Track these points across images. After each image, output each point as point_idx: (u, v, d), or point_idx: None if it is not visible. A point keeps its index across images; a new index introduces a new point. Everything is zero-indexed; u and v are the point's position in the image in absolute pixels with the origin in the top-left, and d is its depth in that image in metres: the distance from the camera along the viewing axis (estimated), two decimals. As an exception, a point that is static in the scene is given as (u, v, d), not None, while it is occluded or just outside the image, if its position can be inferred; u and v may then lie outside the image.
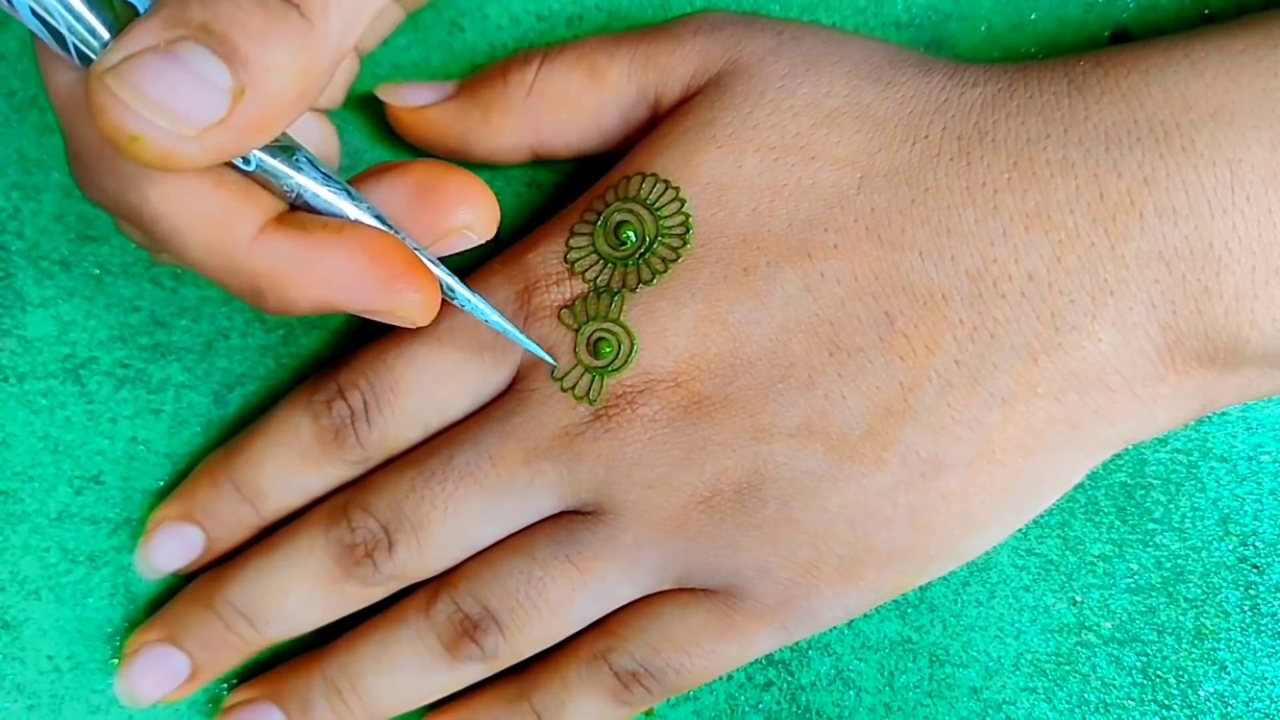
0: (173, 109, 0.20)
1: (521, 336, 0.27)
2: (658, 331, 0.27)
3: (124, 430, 0.32)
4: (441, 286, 0.25)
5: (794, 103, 0.28)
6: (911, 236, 0.26)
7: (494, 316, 0.27)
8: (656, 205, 0.28)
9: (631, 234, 0.28)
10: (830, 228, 0.27)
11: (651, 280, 0.27)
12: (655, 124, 0.29)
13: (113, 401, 0.32)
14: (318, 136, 0.28)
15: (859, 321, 0.26)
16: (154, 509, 0.31)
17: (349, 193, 0.24)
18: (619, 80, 0.29)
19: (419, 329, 0.28)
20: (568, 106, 0.29)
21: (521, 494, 0.28)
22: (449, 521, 0.28)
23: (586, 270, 0.28)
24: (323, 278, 0.23)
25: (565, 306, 0.28)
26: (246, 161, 0.23)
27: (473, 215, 0.25)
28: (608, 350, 0.27)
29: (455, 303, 0.26)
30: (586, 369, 0.28)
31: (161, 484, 0.32)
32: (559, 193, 0.32)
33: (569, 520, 0.28)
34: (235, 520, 0.30)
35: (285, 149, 0.23)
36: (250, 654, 0.30)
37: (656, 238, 0.27)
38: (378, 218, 0.24)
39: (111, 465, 0.32)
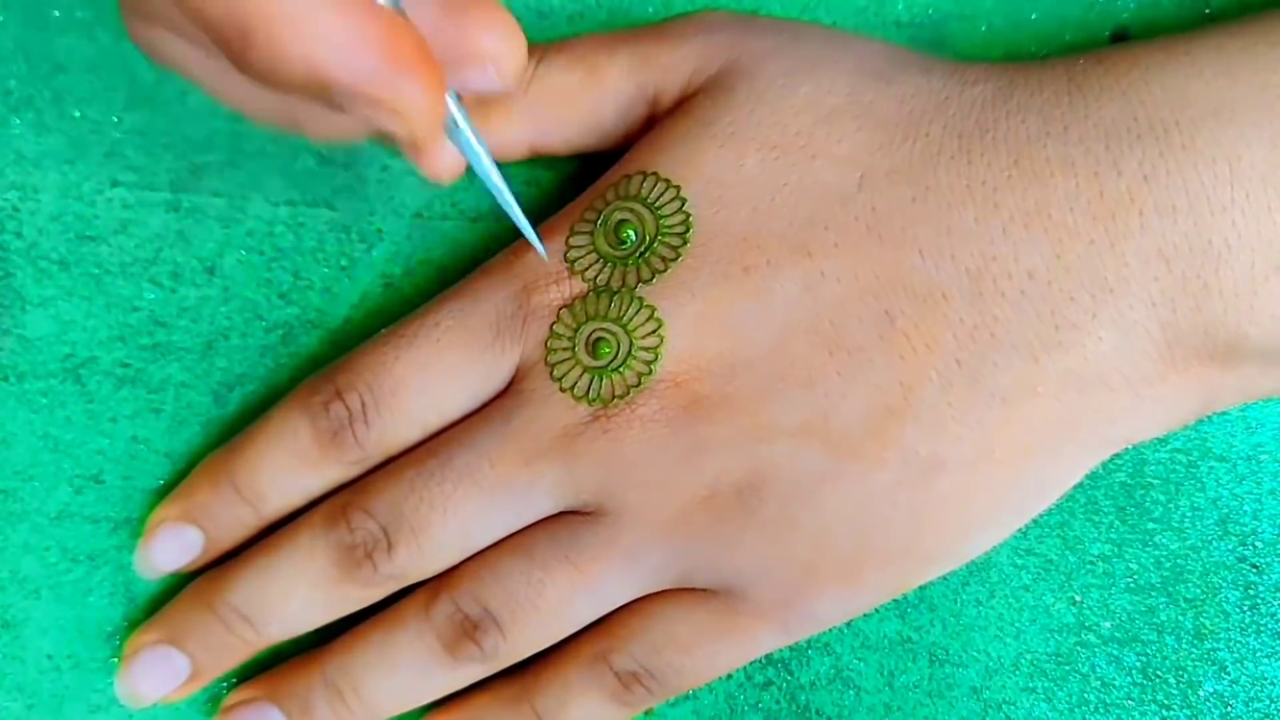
0: None
1: (519, 213, 0.26)
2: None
3: (124, 429, 0.32)
4: (447, 119, 0.23)
5: (795, 101, 0.27)
6: (912, 235, 0.26)
7: (494, 177, 0.25)
8: (657, 204, 0.27)
9: (632, 233, 0.28)
10: (831, 226, 0.27)
11: (651, 280, 0.27)
12: (654, 122, 0.29)
13: (113, 401, 0.31)
14: None
15: (859, 320, 0.26)
16: (154, 508, 0.31)
17: None
18: (618, 78, 0.29)
19: (415, 331, 0.28)
20: (566, 104, 0.29)
21: (521, 495, 0.28)
22: (448, 522, 0.28)
23: (586, 270, 0.28)
24: (326, 36, 0.20)
25: (564, 306, 0.28)
26: None
27: (500, 46, 0.23)
28: (606, 350, 0.27)
29: (456, 145, 0.24)
30: (585, 369, 0.27)
31: (161, 483, 0.32)
32: (559, 192, 0.31)
33: (568, 521, 0.28)
34: (234, 521, 0.30)
35: None
36: (250, 654, 0.30)
37: (657, 237, 0.27)
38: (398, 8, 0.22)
39: (111, 464, 0.32)
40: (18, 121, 0.31)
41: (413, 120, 0.21)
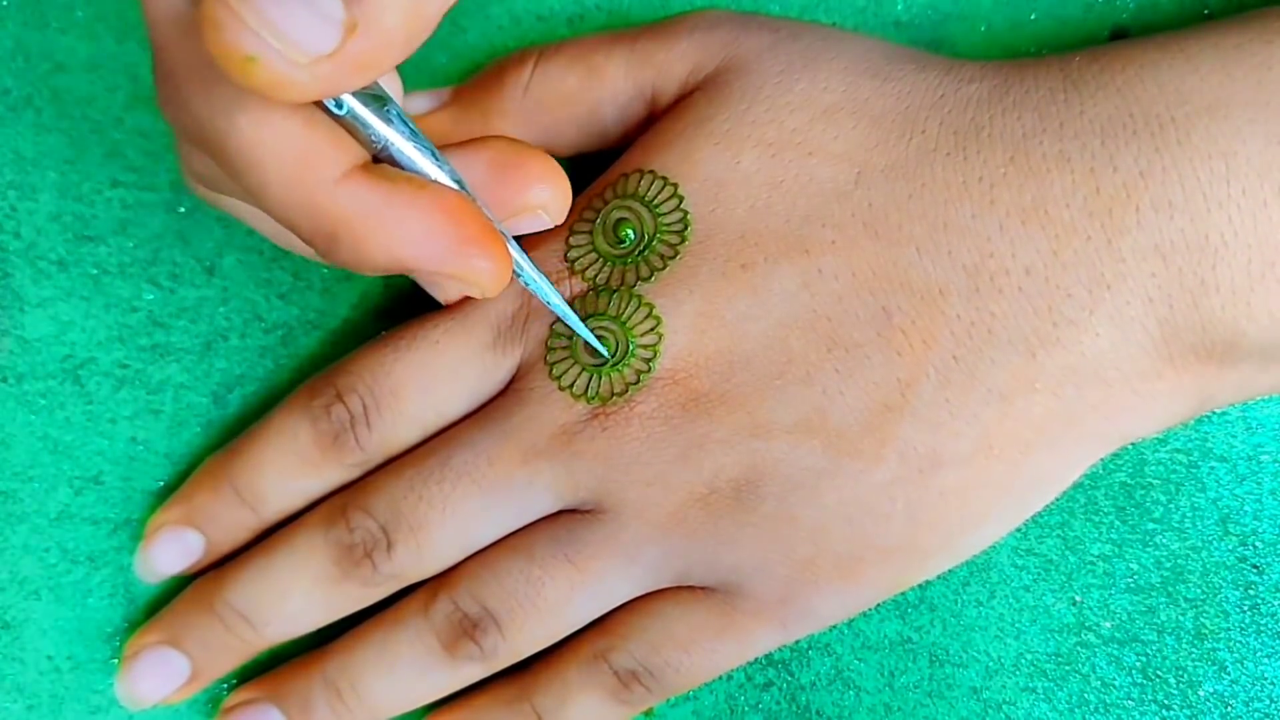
0: (289, 34, 0.20)
1: (579, 323, 0.27)
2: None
3: (123, 430, 0.32)
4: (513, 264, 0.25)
5: (791, 99, 0.28)
6: (908, 232, 0.26)
7: (555, 299, 0.27)
8: (655, 202, 0.28)
9: (630, 232, 0.28)
10: (828, 223, 0.27)
11: (650, 278, 0.27)
12: (652, 120, 0.29)
13: (112, 402, 0.31)
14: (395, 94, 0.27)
15: (857, 317, 0.26)
16: (154, 509, 0.31)
17: (434, 153, 0.24)
18: (616, 78, 0.29)
19: (415, 333, 0.28)
20: (565, 105, 0.29)
21: (520, 493, 0.28)
22: (447, 522, 0.28)
23: (585, 268, 0.28)
24: (400, 232, 0.23)
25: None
26: (339, 105, 0.22)
27: (549, 196, 0.25)
28: (605, 348, 0.27)
29: (520, 281, 0.26)
30: (584, 367, 0.27)
31: (161, 484, 0.32)
32: (558, 192, 0.31)
33: (567, 519, 0.28)
34: (235, 524, 0.30)
35: (377, 98, 0.23)
36: (250, 655, 0.30)
37: (655, 235, 0.27)
38: (458, 182, 0.24)
39: (111, 465, 0.32)
40: (17, 121, 0.31)
41: (483, 287, 0.24)
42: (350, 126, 0.23)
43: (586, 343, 0.27)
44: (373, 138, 0.23)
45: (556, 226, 0.29)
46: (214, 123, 0.22)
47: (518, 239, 0.26)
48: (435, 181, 0.24)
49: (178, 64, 0.22)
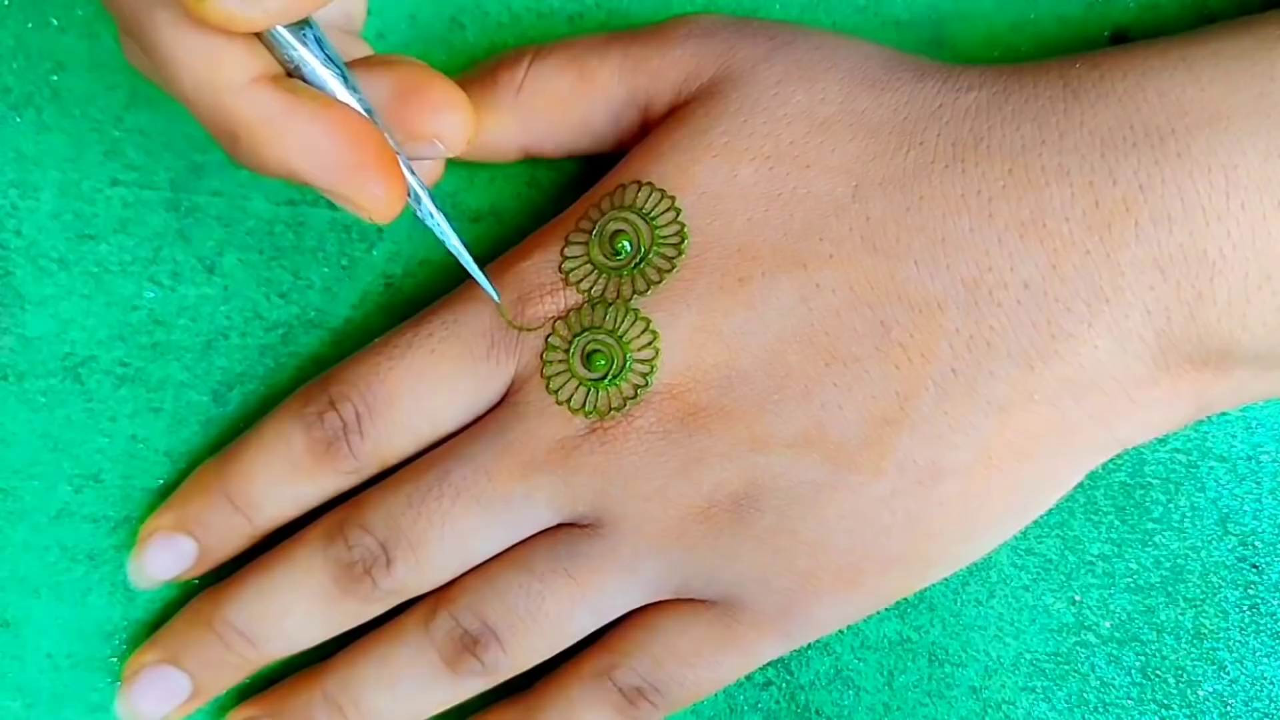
0: None
1: (474, 266, 0.27)
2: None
3: (123, 429, 0.32)
4: (410, 194, 0.25)
5: (788, 110, 0.27)
6: (906, 245, 0.26)
7: (453, 240, 0.27)
8: (652, 215, 0.27)
9: (627, 244, 0.27)
10: (825, 237, 0.27)
11: (646, 291, 0.27)
12: (646, 126, 0.29)
13: (112, 400, 0.31)
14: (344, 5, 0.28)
15: (855, 331, 0.26)
16: (154, 508, 0.31)
17: (344, 78, 0.24)
18: (609, 82, 0.29)
19: (409, 341, 0.28)
20: (557, 107, 0.29)
21: (518, 508, 0.28)
22: (446, 537, 0.28)
23: (581, 281, 0.28)
24: (298, 143, 0.23)
25: (559, 318, 0.28)
26: None
27: (446, 125, 0.25)
28: (601, 362, 0.27)
29: (418, 215, 0.26)
30: (581, 381, 0.27)
31: (161, 482, 0.32)
32: (558, 193, 0.31)
33: (566, 533, 0.28)
34: (228, 530, 0.30)
35: (298, 21, 0.24)
36: (250, 672, 0.30)
37: (652, 248, 0.27)
38: (367, 110, 0.24)
39: (111, 463, 0.32)
40: (17, 120, 0.31)
41: (374, 210, 0.24)
42: (266, 42, 0.23)
43: (582, 355, 0.27)
44: (287, 57, 0.24)
45: (552, 231, 0.28)
46: (138, 17, 0.22)
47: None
48: (341, 102, 0.24)
49: None
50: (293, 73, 0.24)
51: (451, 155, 0.26)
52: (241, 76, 0.23)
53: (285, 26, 0.23)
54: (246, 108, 0.23)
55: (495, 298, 0.28)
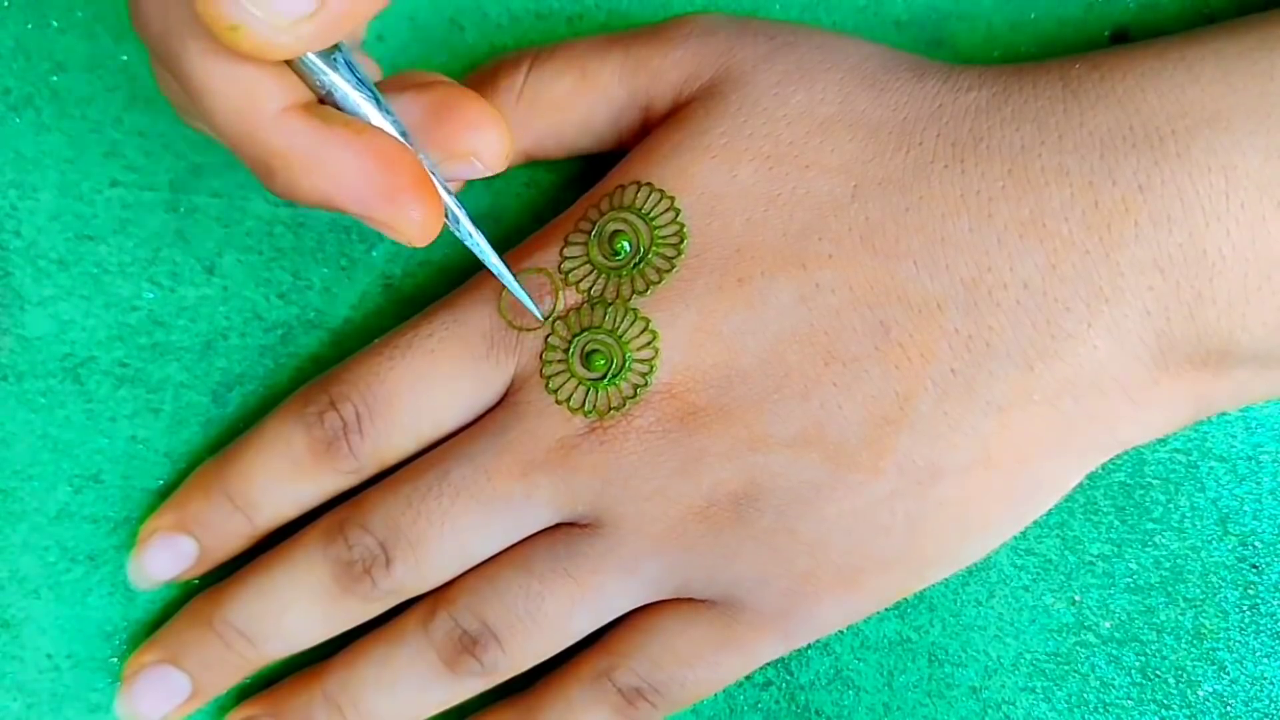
0: (271, 1, 0.20)
1: (517, 286, 0.27)
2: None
3: (123, 429, 0.32)
4: (446, 214, 0.25)
5: (788, 111, 0.27)
6: (906, 245, 0.26)
7: (492, 258, 0.27)
8: (651, 215, 0.27)
9: (626, 244, 0.27)
10: (825, 237, 0.27)
11: (646, 291, 0.27)
12: (647, 127, 0.29)
13: (112, 400, 0.31)
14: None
15: (854, 331, 0.26)
16: (153, 508, 0.31)
17: (377, 101, 0.24)
18: (609, 83, 0.29)
19: (409, 341, 0.28)
20: (558, 109, 0.29)
21: (518, 508, 0.28)
22: (446, 537, 0.28)
23: (580, 281, 0.28)
24: (332, 171, 0.23)
25: (559, 317, 0.28)
26: None
27: (483, 143, 0.25)
28: (601, 362, 0.27)
29: (457, 235, 0.26)
30: (581, 381, 0.27)
31: (161, 483, 0.32)
32: (558, 193, 0.31)
33: (566, 533, 0.28)
34: (228, 530, 0.30)
35: (328, 46, 0.23)
36: (250, 672, 0.30)
37: (651, 248, 0.27)
38: (401, 132, 0.24)
39: (111, 464, 0.32)
40: (17, 120, 0.31)
41: (411, 235, 0.24)
42: (298, 69, 0.23)
43: (581, 355, 0.27)
44: (319, 82, 0.23)
45: (551, 231, 0.28)
46: (170, 46, 0.22)
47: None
48: (375, 127, 0.24)
49: None
50: (325, 99, 0.24)
51: (489, 174, 0.25)
52: (274, 106, 0.23)
53: (316, 52, 0.23)
54: (281, 138, 0.23)
55: (539, 316, 0.28)
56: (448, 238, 0.31)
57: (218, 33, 0.21)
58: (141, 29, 0.23)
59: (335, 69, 0.23)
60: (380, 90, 0.25)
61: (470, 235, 0.26)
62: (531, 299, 0.27)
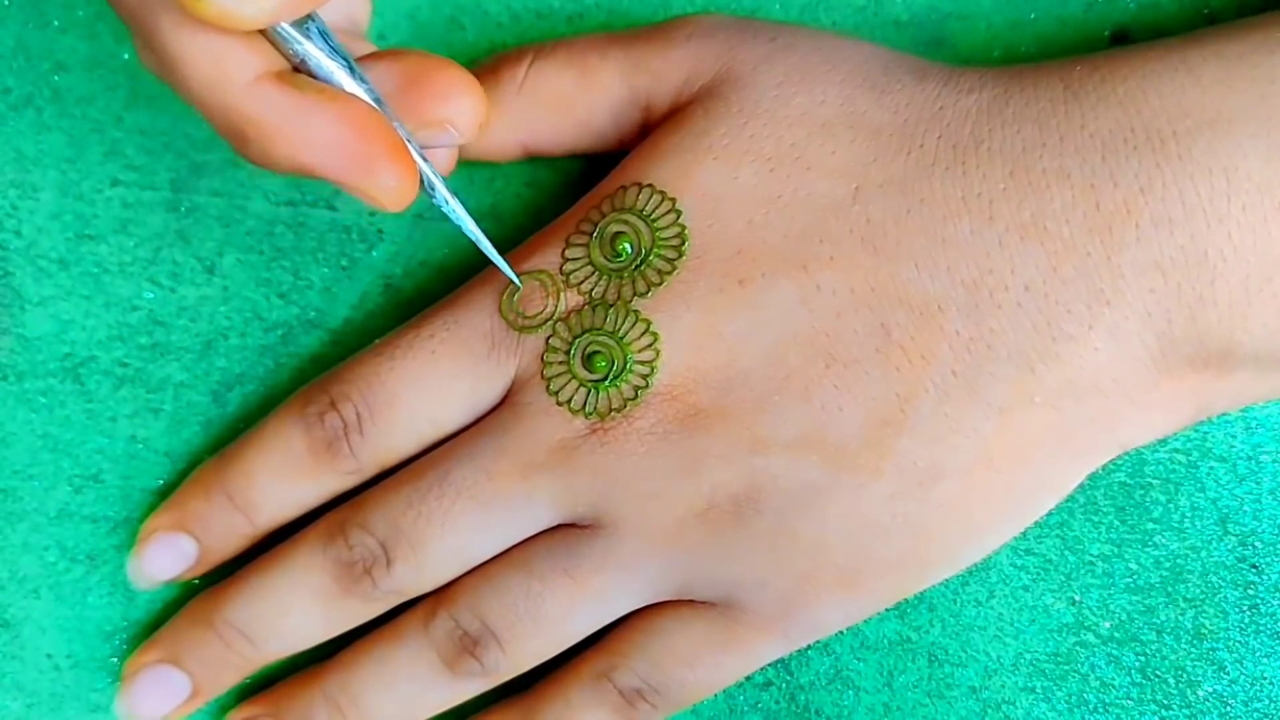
0: None
1: (497, 256, 0.27)
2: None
3: (123, 429, 0.32)
4: (422, 181, 0.25)
5: (789, 112, 0.27)
6: (907, 247, 0.26)
7: (469, 224, 0.27)
8: (652, 217, 0.27)
9: (627, 246, 0.27)
10: (825, 239, 0.27)
11: (647, 293, 0.27)
12: (647, 126, 0.29)
13: (112, 400, 0.31)
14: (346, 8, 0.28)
15: (855, 333, 0.26)
16: (154, 508, 0.31)
17: (351, 68, 0.24)
18: (610, 81, 0.29)
19: (410, 342, 0.28)
20: (559, 106, 0.29)
21: (518, 508, 0.28)
22: (446, 537, 0.28)
23: (581, 282, 0.28)
24: (306, 138, 0.23)
25: (560, 319, 0.28)
26: None
27: (457, 111, 0.25)
28: (602, 363, 0.27)
29: (434, 201, 0.26)
30: (581, 382, 0.27)
31: (161, 483, 0.32)
32: (559, 193, 0.31)
33: (566, 534, 0.28)
34: (228, 530, 0.30)
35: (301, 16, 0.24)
36: (250, 672, 0.30)
37: (652, 250, 0.27)
38: (376, 100, 0.24)
39: (111, 464, 0.32)
40: (17, 120, 0.31)
41: (387, 200, 0.24)
42: (270, 38, 0.23)
43: (582, 357, 0.27)
44: (292, 51, 0.24)
45: (553, 232, 0.28)
46: (143, 19, 0.23)
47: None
48: (348, 94, 0.24)
49: None
50: (299, 67, 0.24)
51: (464, 141, 0.26)
52: (247, 74, 0.23)
53: (289, 21, 0.23)
54: (253, 105, 0.23)
55: (516, 281, 0.28)
56: (448, 237, 0.31)
57: (186, 5, 0.21)
58: (116, 4, 0.23)
59: (309, 38, 0.24)
60: (359, 60, 0.25)
61: (446, 202, 0.26)
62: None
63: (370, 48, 0.27)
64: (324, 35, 0.24)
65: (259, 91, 0.23)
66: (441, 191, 0.26)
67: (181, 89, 0.23)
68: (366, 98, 0.24)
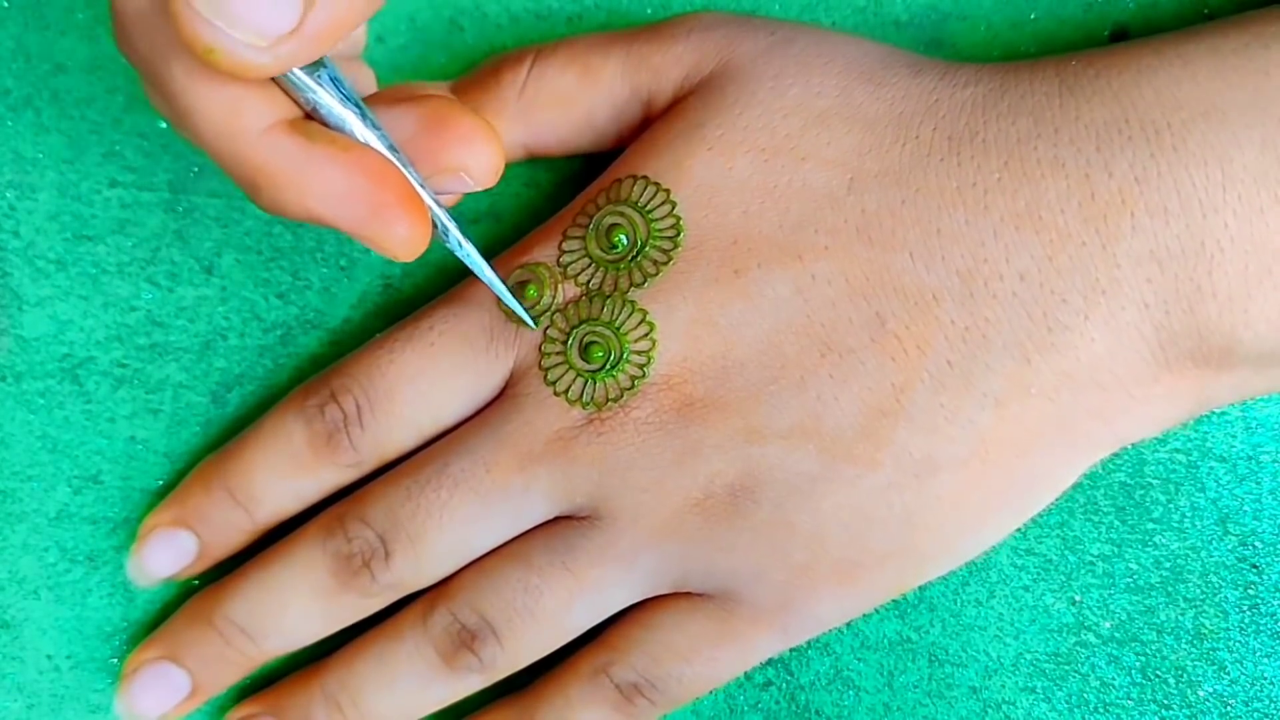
0: (249, 21, 0.20)
1: (509, 295, 0.27)
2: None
3: (122, 430, 0.32)
4: (436, 227, 0.25)
5: (784, 104, 0.27)
6: (902, 237, 0.26)
7: (485, 270, 0.27)
8: (647, 208, 0.27)
9: (623, 237, 0.28)
10: (821, 229, 0.27)
11: (643, 283, 0.27)
12: (648, 123, 0.29)
13: (111, 401, 0.31)
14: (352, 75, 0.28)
15: (850, 323, 0.26)
16: (153, 508, 0.31)
17: (363, 115, 0.24)
18: (612, 80, 0.29)
19: (410, 335, 0.28)
20: (561, 105, 0.29)
21: (516, 500, 0.28)
22: (445, 530, 0.28)
23: (579, 274, 0.28)
24: (318, 188, 0.23)
25: (558, 310, 0.28)
26: None
27: (473, 158, 0.25)
28: (599, 354, 0.27)
29: (446, 245, 0.26)
30: (579, 373, 0.27)
31: (160, 483, 0.32)
32: (557, 193, 0.31)
33: (564, 526, 0.28)
34: (229, 525, 0.30)
35: (313, 62, 0.24)
36: (250, 669, 0.30)
37: (648, 241, 0.27)
38: (389, 147, 0.24)
39: (110, 465, 0.32)
40: (17, 121, 0.31)
41: (399, 251, 0.24)
42: (282, 85, 0.23)
43: (579, 347, 0.27)
44: (304, 99, 0.23)
45: (551, 226, 0.29)
46: (155, 67, 0.23)
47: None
48: (361, 143, 0.24)
49: (127, 6, 0.23)
50: (311, 115, 0.24)
51: (479, 189, 0.26)
52: (259, 124, 0.23)
53: (299, 69, 0.23)
54: (265, 155, 0.23)
55: (531, 325, 0.28)
56: (447, 238, 0.31)
57: (197, 54, 0.21)
58: (127, 51, 0.23)
59: (321, 85, 0.23)
60: (374, 102, 0.25)
61: (460, 246, 0.26)
62: (524, 309, 0.28)
63: (368, 72, 0.27)
64: (336, 82, 0.24)
65: (271, 141, 0.23)
66: (455, 235, 0.26)
67: (193, 137, 0.23)
68: (380, 145, 0.24)
